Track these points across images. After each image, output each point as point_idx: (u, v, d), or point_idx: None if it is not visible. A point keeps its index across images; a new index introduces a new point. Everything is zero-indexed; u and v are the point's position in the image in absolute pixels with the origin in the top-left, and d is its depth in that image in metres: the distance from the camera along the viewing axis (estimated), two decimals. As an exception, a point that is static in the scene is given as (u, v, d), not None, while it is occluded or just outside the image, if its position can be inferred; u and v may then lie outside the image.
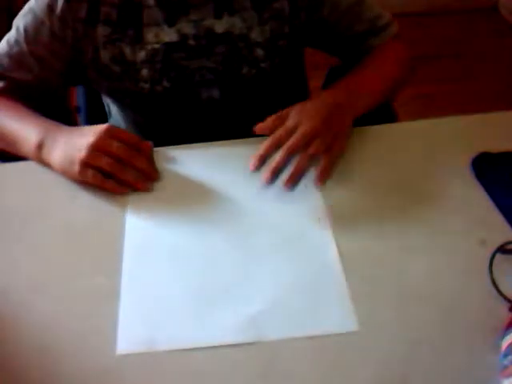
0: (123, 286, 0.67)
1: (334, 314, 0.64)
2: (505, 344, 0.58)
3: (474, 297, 0.66)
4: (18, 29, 0.90)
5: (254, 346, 0.61)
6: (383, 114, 1.09)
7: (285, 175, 0.76)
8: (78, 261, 0.71)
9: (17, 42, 0.90)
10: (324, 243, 0.71)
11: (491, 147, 0.84)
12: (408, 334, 0.62)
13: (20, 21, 0.90)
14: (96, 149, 0.77)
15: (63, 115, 1.10)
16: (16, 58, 0.91)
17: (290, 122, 0.77)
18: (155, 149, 0.85)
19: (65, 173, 0.80)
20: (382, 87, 0.93)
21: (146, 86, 0.92)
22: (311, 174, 0.77)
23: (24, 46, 0.90)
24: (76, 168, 0.77)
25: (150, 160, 0.82)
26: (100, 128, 0.79)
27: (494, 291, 0.65)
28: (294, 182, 0.75)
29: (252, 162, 0.76)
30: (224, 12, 0.89)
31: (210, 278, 0.68)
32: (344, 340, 0.62)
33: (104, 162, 0.77)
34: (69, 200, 0.79)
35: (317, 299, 0.65)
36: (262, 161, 0.76)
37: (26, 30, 0.89)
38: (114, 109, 1.07)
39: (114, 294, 0.66)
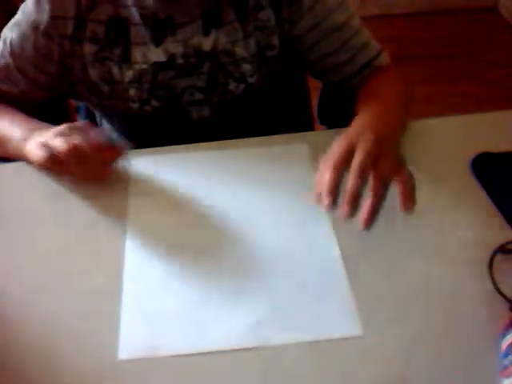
0: (125, 291, 0.67)
1: (337, 318, 0.63)
2: (505, 344, 0.58)
3: (474, 297, 0.66)
4: (4, 41, 0.89)
5: (256, 351, 0.61)
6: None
7: (362, 213, 0.64)
8: (79, 261, 0.71)
9: (3, 55, 0.89)
10: (326, 246, 0.71)
11: (491, 147, 0.84)
12: (408, 335, 0.62)
13: (7, 33, 0.89)
14: (57, 134, 0.76)
15: (62, 115, 1.11)
16: (2, 70, 0.90)
17: (343, 145, 0.66)
18: (159, 148, 0.85)
19: (32, 160, 0.79)
20: (401, 103, 0.85)
21: (135, 105, 0.91)
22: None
23: (9, 59, 0.89)
24: (34, 149, 0.77)
25: (105, 162, 0.79)
26: (72, 123, 0.79)
27: (494, 291, 0.65)
28: (373, 216, 0.64)
29: (323, 201, 0.63)
30: (212, 28, 0.87)
31: (212, 282, 0.68)
32: (345, 342, 0.61)
33: (57, 143, 0.75)
34: (69, 200, 0.79)
35: (320, 303, 0.65)
36: (335, 196, 0.63)
37: (11, 44, 0.88)
38: (104, 121, 1.06)
39: (114, 295, 0.66)
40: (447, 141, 0.88)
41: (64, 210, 0.78)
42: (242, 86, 0.92)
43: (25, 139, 0.81)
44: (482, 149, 0.83)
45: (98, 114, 1.08)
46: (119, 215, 0.76)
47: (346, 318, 0.63)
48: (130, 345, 0.61)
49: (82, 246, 0.73)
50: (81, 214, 0.77)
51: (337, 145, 0.67)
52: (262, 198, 0.78)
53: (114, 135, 1.05)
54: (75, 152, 0.74)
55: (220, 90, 0.92)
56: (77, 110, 1.16)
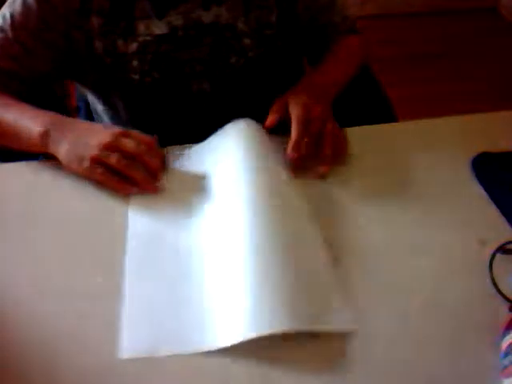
0: (127, 290, 0.66)
1: (334, 313, 0.63)
2: (505, 344, 0.58)
3: (474, 297, 0.66)
4: (3, 16, 0.89)
5: (256, 350, 0.60)
6: (383, 113, 1.09)
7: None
8: (79, 260, 0.71)
9: (2, 29, 0.89)
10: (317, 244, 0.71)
11: (491, 147, 0.84)
12: (408, 335, 0.62)
13: (6, 9, 0.89)
14: (108, 148, 0.77)
15: (63, 115, 1.11)
16: (1, 45, 0.89)
17: (299, 112, 0.81)
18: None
19: (71, 167, 0.79)
20: (346, 77, 1.00)
21: (136, 77, 0.92)
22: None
23: (10, 32, 0.88)
24: (86, 164, 0.77)
25: (162, 159, 0.82)
26: (113, 129, 0.79)
27: (494, 291, 0.65)
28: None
29: (294, 156, 0.79)
30: (212, 4, 0.91)
31: (212, 281, 0.67)
32: (345, 342, 0.61)
33: (113, 159, 0.76)
34: (69, 200, 0.79)
35: (317, 299, 0.65)
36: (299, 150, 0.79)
37: (12, 17, 0.88)
38: (99, 108, 1.06)
39: (114, 295, 0.66)
40: (447, 141, 0.88)
41: (65, 210, 0.78)
42: (242, 61, 0.95)
43: (42, 135, 0.80)
44: (481, 149, 0.83)
45: (92, 103, 1.07)
46: (119, 215, 0.76)
47: (343, 313, 0.63)
48: (130, 344, 0.61)
49: (82, 246, 0.73)
50: (81, 213, 0.77)
51: (293, 109, 0.82)
52: (260, 193, 0.76)
53: (115, 121, 1.05)
54: (136, 164, 0.77)
55: (221, 63, 0.95)
56: (77, 110, 1.16)
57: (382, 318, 0.63)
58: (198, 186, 0.80)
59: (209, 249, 0.72)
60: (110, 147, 0.77)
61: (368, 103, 1.12)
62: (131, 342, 0.62)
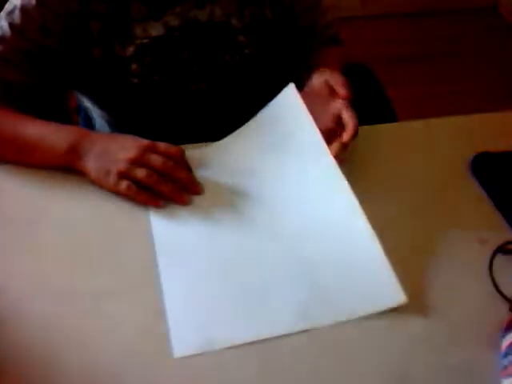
0: (165, 291, 0.66)
1: (378, 289, 0.63)
2: (505, 344, 0.58)
3: (474, 297, 0.66)
4: (1, 28, 0.88)
5: (256, 350, 0.61)
6: (383, 113, 1.09)
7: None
8: (78, 260, 0.71)
9: (2, 40, 0.87)
10: (352, 219, 0.72)
11: (491, 147, 0.84)
12: (408, 334, 0.62)
13: (3, 21, 0.88)
14: (135, 163, 0.76)
15: (63, 115, 1.11)
16: (2, 56, 0.88)
17: (347, 116, 0.79)
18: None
19: (99, 182, 0.79)
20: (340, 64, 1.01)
21: (135, 80, 0.92)
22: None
23: (10, 42, 0.87)
24: (113, 179, 0.77)
25: (190, 171, 0.81)
26: (140, 142, 0.79)
27: (494, 291, 0.65)
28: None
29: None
30: (206, 2, 0.91)
31: (247, 271, 0.68)
32: (346, 342, 0.62)
33: (141, 174, 0.76)
34: (70, 200, 0.79)
35: (358, 279, 0.65)
36: None
37: (12, 27, 0.87)
38: (97, 112, 1.05)
39: (113, 293, 0.66)
40: (447, 141, 0.88)
41: (65, 210, 0.78)
42: (237, 58, 0.95)
43: (69, 150, 0.79)
44: (481, 149, 0.83)
45: (91, 107, 1.07)
46: (120, 214, 0.76)
47: (387, 288, 0.62)
48: (182, 343, 0.61)
49: (83, 245, 0.73)
50: (81, 213, 0.77)
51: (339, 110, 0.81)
52: (282, 186, 0.78)
53: (108, 130, 1.05)
54: (164, 178, 0.76)
55: (217, 61, 0.94)
56: (77, 110, 1.16)
57: (382, 318, 0.63)
58: (218, 183, 0.80)
59: (235, 242, 0.72)
60: (137, 162, 0.76)
61: (368, 103, 1.13)
62: (182, 340, 0.61)
